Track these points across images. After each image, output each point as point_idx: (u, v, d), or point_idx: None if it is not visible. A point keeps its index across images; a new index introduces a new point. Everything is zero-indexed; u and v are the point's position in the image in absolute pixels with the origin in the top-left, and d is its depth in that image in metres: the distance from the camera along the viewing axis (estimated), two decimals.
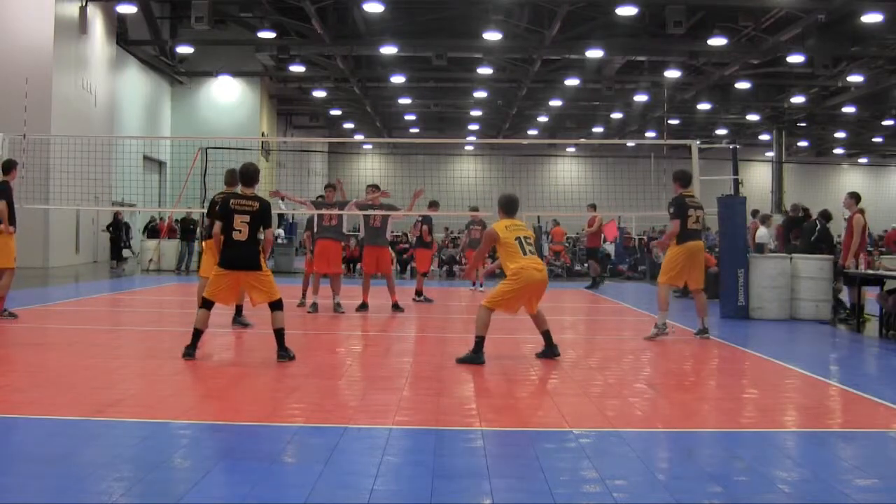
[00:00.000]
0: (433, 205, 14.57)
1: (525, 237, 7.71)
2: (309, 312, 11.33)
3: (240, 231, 7.19)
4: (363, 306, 11.95)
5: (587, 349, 9.05)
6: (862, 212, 11.28)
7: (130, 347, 8.49)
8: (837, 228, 14.93)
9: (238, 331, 9.45)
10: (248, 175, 7.46)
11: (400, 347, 8.99)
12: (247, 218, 7.22)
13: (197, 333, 7.25)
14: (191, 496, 3.68)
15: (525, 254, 7.60)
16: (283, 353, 7.25)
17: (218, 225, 7.42)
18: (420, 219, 14.73)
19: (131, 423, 5.05)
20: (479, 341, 7.40)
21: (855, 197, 11.44)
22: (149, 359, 7.68)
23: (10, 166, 10.07)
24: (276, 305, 7.32)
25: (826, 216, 13.24)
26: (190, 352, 7.21)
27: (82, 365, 7.09)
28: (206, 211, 10.75)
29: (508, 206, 7.92)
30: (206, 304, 7.29)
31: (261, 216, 7.35)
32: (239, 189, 7.57)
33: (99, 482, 3.91)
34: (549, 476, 4.04)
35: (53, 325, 10.32)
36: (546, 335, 7.77)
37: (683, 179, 9.66)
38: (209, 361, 7.52)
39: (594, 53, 24.95)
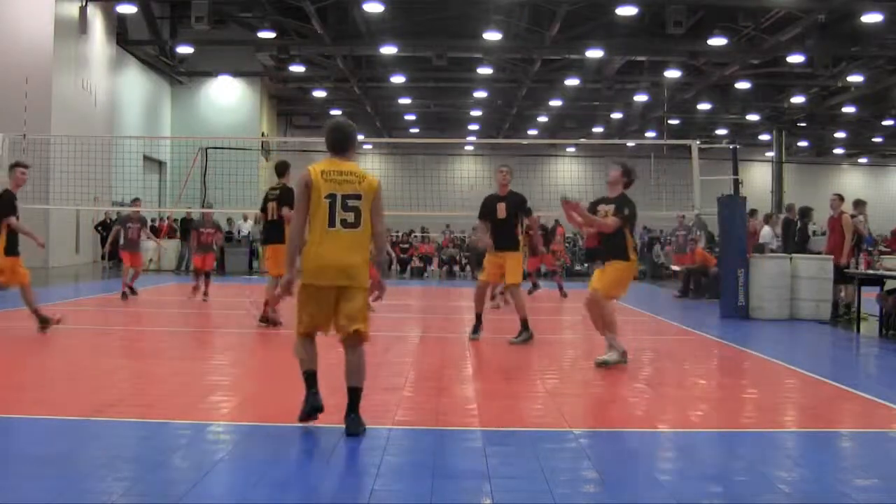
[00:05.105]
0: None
1: (347, 195, 4.67)
2: None
3: None
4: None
5: (587, 349, 9.04)
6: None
7: (130, 347, 8.49)
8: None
9: (237, 331, 9.44)
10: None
11: (400, 348, 8.98)
12: None
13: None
14: (191, 496, 3.67)
15: (333, 224, 4.66)
16: None
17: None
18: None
19: (131, 423, 5.05)
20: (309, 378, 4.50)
21: (841, 198, 11.86)
22: (148, 359, 7.68)
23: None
24: None
25: (804, 214, 13.70)
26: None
27: (82, 365, 7.09)
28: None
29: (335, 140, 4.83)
30: None
31: None
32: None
33: (99, 482, 3.91)
34: (549, 476, 4.03)
35: (53, 324, 10.29)
36: None
37: None
38: (209, 362, 7.52)
39: (594, 53, 24.92)
